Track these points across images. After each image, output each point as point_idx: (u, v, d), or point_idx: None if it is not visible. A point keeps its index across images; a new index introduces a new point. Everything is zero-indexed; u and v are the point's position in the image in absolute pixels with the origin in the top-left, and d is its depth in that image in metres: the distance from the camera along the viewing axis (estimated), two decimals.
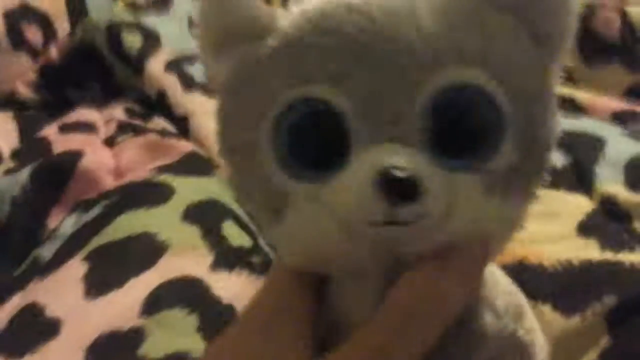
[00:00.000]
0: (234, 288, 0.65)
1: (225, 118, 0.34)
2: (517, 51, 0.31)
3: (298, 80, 0.31)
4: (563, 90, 0.92)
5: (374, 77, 0.29)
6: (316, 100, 0.30)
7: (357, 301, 0.34)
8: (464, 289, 0.32)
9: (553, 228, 0.63)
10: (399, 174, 0.28)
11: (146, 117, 1.08)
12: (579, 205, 0.66)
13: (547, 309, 0.56)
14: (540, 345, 0.40)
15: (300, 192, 0.31)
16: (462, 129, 0.30)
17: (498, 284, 0.37)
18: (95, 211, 0.77)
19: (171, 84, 1.09)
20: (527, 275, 0.56)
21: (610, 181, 0.69)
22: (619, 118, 0.88)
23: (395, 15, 0.30)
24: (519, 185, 0.31)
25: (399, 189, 0.28)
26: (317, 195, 0.31)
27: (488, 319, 0.35)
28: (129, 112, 1.10)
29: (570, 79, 1.03)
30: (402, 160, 0.29)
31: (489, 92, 0.30)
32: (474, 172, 0.30)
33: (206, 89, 1.07)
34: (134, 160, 0.90)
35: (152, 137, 0.95)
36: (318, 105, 0.30)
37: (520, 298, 0.40)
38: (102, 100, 1.16)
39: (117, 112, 1.09)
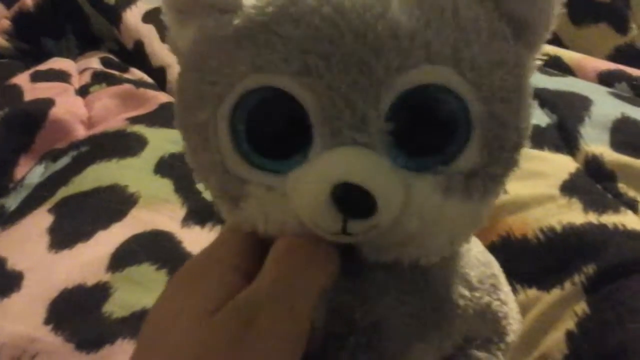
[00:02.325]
0: (206, 243, 0.62)
1: (183, 93, 0.32)
2: (493, 48, 0.30)
3: (261, 67, 0.29)
4: (549, 49, 0.91)
5: (339, 77, 0.28)
6: (279, 91, 0.29)
7: None
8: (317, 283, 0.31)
9: (537, 188, 0.61)
10: (355, 191, 0.28)
11: (123, 67, 1.06)
12: (563, 165, 0.65)
13: (532, 291, 0.55)
14: (514, 315, 0.40)
15: (257, 180, 0.30)
16: (426, 129, 0.29)
17: (470, 254, 0.37)
18: (63, 161, 0.74)
19: (148, 34, 1.07)
20: (512, 254, 0.54)
21: (595, 141, 0.67)
22: (606, 78, 0.86)
23: (367, 9, 0.28)
24: (482, 185, 0.30)
25: (354, 206, 0.28)
26: (274, 186, 0.30)
27: (462, 292, 0.35)
28: (105, 62, 1.07)
29: (557, 38, 1.02)
30: (359, 172, 0.28)
31: (459, 92, 0.29)
32: (434, 173, 0.29)
33: None
34: (107, 110, 0.88)
35: (126, 87, 0.92)
36: (280, 94, 0.29)
37: (495, 267, 0.39)
38: (78, 51, 1.14)
39: (93, 61, 1.07)
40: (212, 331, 0.29)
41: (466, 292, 0.35)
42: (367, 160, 0.28)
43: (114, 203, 0.65)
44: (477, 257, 0.38)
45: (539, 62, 0.32)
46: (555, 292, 0.53)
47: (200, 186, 0.69)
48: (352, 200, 0.28)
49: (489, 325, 0.38)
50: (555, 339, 0.51)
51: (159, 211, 0.65)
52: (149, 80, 1.00)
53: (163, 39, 1.05)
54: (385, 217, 0.29)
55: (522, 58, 0.30)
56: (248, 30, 0.29)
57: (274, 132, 0.30)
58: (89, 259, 0.59)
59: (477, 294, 0.36)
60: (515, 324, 0.40)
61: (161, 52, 1.03)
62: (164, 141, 0.75)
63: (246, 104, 0.30)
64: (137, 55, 1.06)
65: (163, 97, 0.89)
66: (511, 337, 0.39)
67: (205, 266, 0.33)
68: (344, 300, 0.33)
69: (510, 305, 0.40)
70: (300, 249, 0.31)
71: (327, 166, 0.29)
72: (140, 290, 0.56)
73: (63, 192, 0.68)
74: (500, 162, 0.30)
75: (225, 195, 0.31)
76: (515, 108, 0.30)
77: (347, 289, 0.33)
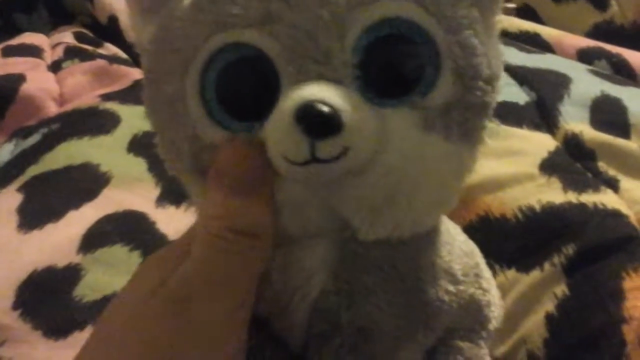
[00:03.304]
0: (181, 224, 0.61)
1: (149, 74, 0.31)
2: None
3: (221, 26, 0.29)
4: (528, 26, 0.90)
5: (300, 16, 0.28)
6: (242, 45, 0.29)
7: (302, 274, 0.32)
8: (259, 208, 0.30)
9: (516, 167, 0.61)
10: (318, 106, 0.27)
11: (97, 42, 1.03)
12: (543, 143, 0.64)
13: (511, 273, 0.55)
14: (496, 302, 0.39)
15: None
16: (395, 65, 0.30)
17: (454, 246, 0.36)
18: (34, 138, 0.72)
19: (123, 9, 1.01)
20: (490, 234, 0.53)
21: (575, 119, 0.66)
22: (585, 55, 0.85)
23: None
24: (461, 120, 0.30)
25: (318, 122, 0.27)
26: None
27: (446, 286, 0.34)
28: (78, 36, 1.05)
29: (536, 15, 1.01)
30: (324, 93, 0.27)
31: (422, 24, 0.29)
32: (410, 108, 0.29)
33: None
34: (80, 86, 0.85)
35: (99, 63, 0.90)
36: (244, 50, 0.29)
37: (477, 255, 0.38)
38: (51, 26, 1.12)
39: (66, 36, 1.05)
40: (146, 315, 0.29)
41: (451, 288, 0.34)
42: (333, 88, 0.28)
43: (86, 182, 0.64)
44: (461, 247, 0.37)
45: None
46: (535, 274, 0.53)
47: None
48: (315, 115, 0.27)
49: (471, 315, 0.37)
50: (535, 322, 0.51)
51: (132, 191, 0.64)
52: (124, 55, 0.98)
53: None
54: (355, 141, 0.28)
55: None
56: None
57: (244, 93, 0.30)
58: (59, 240, 0.57)
59: (461, 288, 0.35)
60: (497, 311, 0.39)
61: None
62: (138, 119, 0.73)
63: (213, 67, 0.29)
64: (111, 30, 1.04)
65: (137, 74, 0.87)
66: (493, 324, 0.39)
67: (167, 252, 0.32)
68: (329, 302, 0.32)
69: (492, 292, 0.39)
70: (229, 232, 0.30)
71: (291, 96, 0.28)
72: (112, 272, 0.55)
73: (33, 171, 0.66)
74: (474, 92, 0.30)
75: (198, 168, 0.30)
76: (481, 37, 0.30)
77: (333, 290, 0.32)
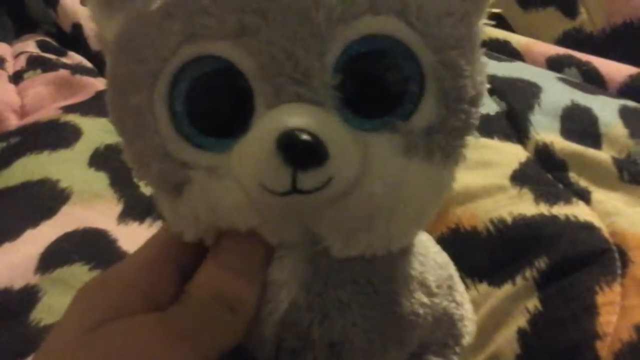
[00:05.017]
0: (145, 240, 0.59)
1: (114, 81, 0.30)
2: None
3: (194, 36, 0.27)
4: (498, 34, 0.90)
5: (278, 31, 0.26)
6: (215, 58, 0.27)
7: (272, 288, 0.31)
8: (248, 287, 0.30)
9: (486, 178, 0.60)
10: (302, 136, 0.26)
11: (60, 51, 1.02)
12: (513, 154, 0.63)
13: (482, 287, 0.54)
14: (469, 316, 0.39)
15: (201, 162, 0.28)
16: (377, 85, 0.28)
17: (428, 257, 0.35)
18: None
19: (87, 17, 1.00)
20: (461, 247, 0.53)
21: (545, 129, 0.65)
22: (555, 63, 0.84)
23: None
24: (443, 143, 0.29)
25: (301, 153, 0.26)
26: (219, 166, 0.28)
27: (422, 300, 0.33)
28: (41, 45, 1.03)
29: (505, 22, 1.01)
30: (306, 120, 0.26)
31: (407, 42, 0.27)
32: (391, 132, 0.27)
33: None
34: (41, 98, 0.84)
35: (61, 73, 0.88)
36: (217, 63, 0.27)
37: (450, 268, 0.38)
38: (14, 35, 1.09)
39: (29, 45, 1.03)
40: (83, 349, 0.28)
41: (426, 300, 0.34)
42: (314, 111, 0.27)
43: (44, 199, 0.62)
44: (435, 259, 0.36)
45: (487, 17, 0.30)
46: (507, 288, 0.52)
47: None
48: (299, 145, 0.25)
49: (444, 329, 0.37)
50: (507, 337, 0.50)
51: (93, 207, 0.62)
52: (88, 64, 0.96)
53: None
54: (339, 171, 0.26)
55: (469, 8, 0.29)
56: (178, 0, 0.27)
57: (215, 107, 0.28)
58: (16, 260, 0.55)
59: (436, 300, 0.35)
60: (470, 326, 0.39)
61: None
62: (100, 131, 0.72)
63: (183, 80, 0.27)
64: (75, 39, 1.03)
65: (100, 85, 0.85)
66: (466, 340, 0.38)
67: (108, 280, 0.31)
68: (301, 316, 0.31)
69: (466, 306, 0.39)
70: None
71: (270, 120, 0.26)
72: (72, 293, 0.52)
73: None
74: (459, 115, 0.29)
75: (166, 184, 0.29)
76: (468, 57, 0.29)
77: (305, 304, 0.31)
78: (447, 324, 0.37)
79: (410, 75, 0.28)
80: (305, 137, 0.25)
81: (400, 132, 0.28)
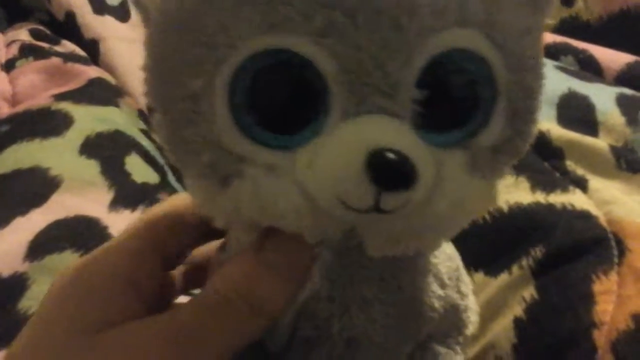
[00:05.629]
0: None
1: (163, 59, 0.27)
2: (522, 13, 0.27)
3: (274, 26, 0.24)
4: None
5: (367, 36, 0.24)
6: (290, 53, 0.25)
7: None
8: (285, 289, 0.29)
9: None
10: (394, 156, 0.24)
11: (53, 39, 1.00)
12: None
13: (478, 276, 0.53)
14: (472, 307, 0.38)
15: (259, 158, 0.26)
16: (451, 98, 0.27)
17: (440, 249, 0.35)
18: None
19: (81, 5, 1.01)
20: (457, 236, 0.53)
21: (542, 117, 0.64)
22: (552, 51, 0.84)
23: None
24: (504, 162, 0.28)
25: (393, 174, 0.24)
26: (278, 165, 0.26)
27: (436, 290, 0.33)
28: (34, 33, 1.01)
29: None
30: (394, 138, 0.25)
31: (488, 59, 0.26)
32: (460, 148, 0.27)
33: (119, 14, 1.02)
34: (33, 86, 0.83)
35: (53, 61, 0.87)
36: (294, 60, 0.25)
37: (457, 259, 0.37)
38: (6, 24, 1.08)
39: (21, 33, 1.01)
40: (87, 352, 0.27)
41: (440, 292, 0.33)
42: (397, 127, 0.25)
43: (35, 187, 0.61)
44: (445, 251, 0.36)
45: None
46: (503, 277, 0.52)
47: (129, 167, 0.66)
48: (391, 167, 0.24)
49: (449, 319, 0.36)
50: (503, 326, 0.49)
51: (84, 195, 0.61)
52: (81, 53, 0.95)
53: (96, 10, 1.01)
54: (420, 192, 0.25)
55: (539, 25, 0.28)
56: None
57: (281, 102, 0.26)
58: (4, 248, 0.54)
59: (448, 292, 0.34)
60: (473, 316, 0.38)
61: (94, 24, 0.98)
62: (92, 119, 0.71)
63: (250, 69, 0.25)
64: (68, 27, 1.01)
65: (93, 72, 0.84)
66: (469, 330, 0.38)
67: (90, 269, 0.30)
68: (321, 308, 0.30)
69: (470, 297, 0.38)
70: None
71: (355, 132, 0.25)
72: None
73: None
74: (523, 135, 0.28)
75: (214, 175, 0.27)
76: (540, 78, 0.28)
77: (327, 296, 0.30)
78: (452, 315, 0.36)
79: (484, 91, 0.26)
80: (397, 157, 0.24)
81: (468, 150, 0.27)
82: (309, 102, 0.25)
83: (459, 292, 0.36)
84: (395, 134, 0.25)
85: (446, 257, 0.35)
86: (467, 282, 0.38)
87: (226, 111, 0.26)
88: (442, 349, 0.36)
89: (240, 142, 0.26)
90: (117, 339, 0.27)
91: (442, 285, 0.34)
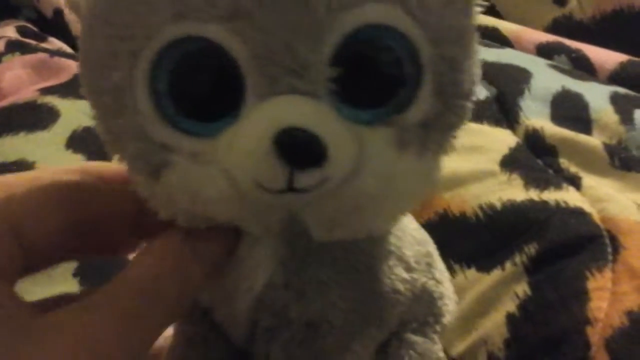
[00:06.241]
0: None
1: (90, 51, 0.27)
2: None
3: (182, 14, 0.24)
4: (487, 21, 0.89)
5: (274, 18, 0.24)
6: (204, 40, 0.25)
7: (249, 265, 0.30)
8: (204, 268, 0.29)
9: (476, 164, 0.59)
10: (301, 134, 0.24)
11: (40, 36, 1.00)
12: (503, 139, 0.62)
13: (471, 272, 0.53)
14: (449, 295, 0.38)
15: (183, 146, 0.26)
16: (372, 76, 0.26)
17: (405, 232, 0.34)
18: None
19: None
20: (450, 233, 0.52)
21: (536, 115, 0.64)
22: (545, 50, 0.84)
23: None
24: (436, 138, 0.27)
25: (301, 152, 0.24)
26: (203, 152, 0.26)
27: (399, 273, 0.33)
28: (21, 30, 1.01)
29: (494, 9, 1.00)
30: (305, 117, 0.25)
31: (408, 33, 0.26)
32: (386, 125, 0.26)
33: None
34: (19, 80, 0.82)
35: (40, 56, 0.87)
36: (205, 45, 0.25)
37: (430, 245, 0.37)
38: None
39: (8, 30, 1.01)
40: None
41: (405, 275, 0.33)
42: (311, 106, 0.25)
43: None
44: (413, 235, 0.35)
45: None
46: (496, 273, 0.51)
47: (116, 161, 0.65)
48: (299, 145, 0.24)
49: (424, 306, 0.36)
50: (495, 322, 0.49)
51: None
52: (69, 50, 0.95)
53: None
54: (336, 170, 0.25)
55: None
56: None
57: (200, 90, 0.26)
58: None
59: (415, 276, 0.34)
60: (450, 304, 0.38)
61: None
62: (78, 113, 0.70)
63: (167, 59, 0.25)
64: (56, 24, 1.01)
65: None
66: (447, 318, 0.37)
67: None
68: (278, 295, 0.30)
69: (446, 284, 0.38)
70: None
71: (266, 113, 0.25)
72: (46, 279, 0.51)
73: None
74: (455, 109, 0.27)
75: (143, 166, 0.27)
76: (467, 50, 0.27)
77: (282, 283, 0.30)
78: (426, 301, 0.36)
79: (407, 67, 0.26)
80: (304, 135, 0.24)
81: (395, 126, 0.26)
82: (226, 87, 0.25)
83: (433, 278, 0.36)
84: (306, 113, 0.25)
85: (414, 241, 0.35)
86: (441, 269, 0.37)
87: (148, 101, 0.26)
88: (418, 339, 0.36)
89: (163, 130, 0.26)
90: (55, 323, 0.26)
91: (408, 269, 0.33)
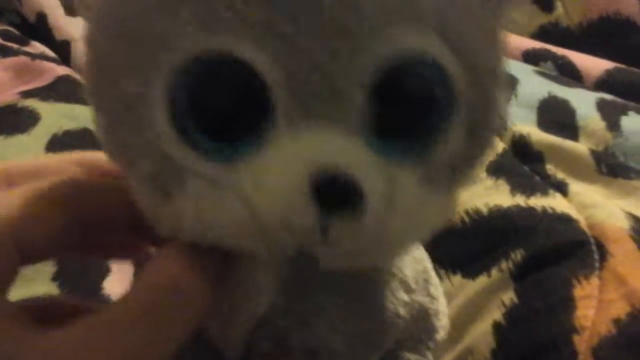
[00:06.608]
0: None
1: (103, 59, 0.25)
2: (476, 15, 0.25)
3: (212, 28, 0.23)
4: None
5: (309, 40, 0.23)
6: (232, 57, 0.23)
7: (250, 288, 0.29)
8: (210, 286, 0.26)
9: None
10: (342, 177, 0.23)
11: (23, 40, 0.99)
12: None
13: (456, 278, 0.52)
14: (443, 310, 0.37)
15: (200, 169, 0.24)
16: (405, 109, 0.25)
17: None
18: None
19: (52, 6, 1.00)
20: (435, 238, 0.52)
21: (522, 121, 0.64)
22: (531, 57, 0.83)
23: None
24: (463, 173, 0.26)
25: (339, 198, 0.23)
26: (221, 177, 0.24)
27: (402, 297, 0.32)
28: (3, 34, 1.00)
29: None
30: (341, 156, 0.23)
31: (444, 64, 0.24)
32: (416, 162, 0.25)
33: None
34: (0, 83, 0.80)
35: (21, 59, 0.86)
36: (233, 63, 0.23)
37: (425, 261, 0.36)
38: None
39: None
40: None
41: (406, 298, 0.32)
42: (346, 141, 0.23)
43: None
44: (411, 253, 0.34)
45: None
46: (482, 280, 0.51)
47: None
48: (337, 189, 0.23)
49: (419, 324, 0.35)
50: (482, 331, 0.48)
51: None
52: (51, 54, 0.93)
53: (68, 11, 0.99)
54: (370, 218, 0.23)
55: (499, 29, 0.26)
56: None
57: (223, 109, 0.24)
58: None
59: (414, 297, 0.33)
60: (444, 320, 0.37)
61: (66, 26, 0.96)
62: (59, 117, 0.70)
63: (189, 72, 0.23)
64: (39, 28, 0.99)
65: (61, 70, 0.83)
66: (440, 334, 0.37)
67: None
68: (278, 320, 0.29)
69: (440, 300, 0.37)
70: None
71: (301, 148, 0.23)
72: (24, 282, 0.48)
73: None
74: (484, 146, 0.26)
75: (154, 186, 0.25)
76: (499, 85, 0.26)
77: (283, 308, 0.29)
78: (421, 319, 0.35)
79: (442, 101, 0.24)
80: (343, 179, 0.23)
81: (425, 162, 0.25)
82: (251, 109, 0.24)
83: (429, 295, 0.35)
84: (342, 151, 0.23)
85: (412, 259, 0.34)
86: (436, 284, 0.36)
87: (165, 116, 0.24)
88: (412, 356, 0.35)
89: (180, 150, 0.24)
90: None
91: (408, 290, 0.32)
